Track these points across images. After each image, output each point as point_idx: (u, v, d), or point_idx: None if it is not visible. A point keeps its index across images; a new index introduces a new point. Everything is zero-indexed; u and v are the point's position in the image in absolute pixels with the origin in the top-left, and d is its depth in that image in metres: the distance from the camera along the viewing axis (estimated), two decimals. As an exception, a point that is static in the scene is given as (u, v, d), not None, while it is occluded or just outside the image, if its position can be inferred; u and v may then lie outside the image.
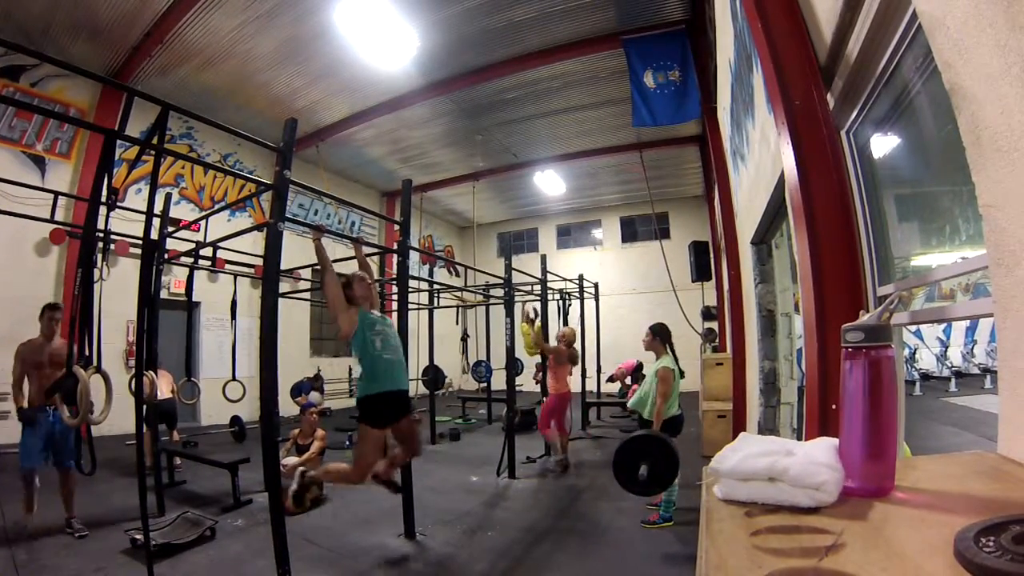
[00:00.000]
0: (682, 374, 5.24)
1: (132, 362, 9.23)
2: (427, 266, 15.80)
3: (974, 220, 1.42)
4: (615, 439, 9.44)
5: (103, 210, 3.63)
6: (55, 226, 7.71)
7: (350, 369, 12.56)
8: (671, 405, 5.02)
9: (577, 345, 8.23)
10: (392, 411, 4.14)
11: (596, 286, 12.81)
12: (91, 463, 3.83)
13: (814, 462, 0.90)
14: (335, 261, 5.43)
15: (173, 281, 10.07)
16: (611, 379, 12.66)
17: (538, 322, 8.30)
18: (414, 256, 13.19)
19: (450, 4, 8.27)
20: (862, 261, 2.20)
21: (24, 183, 5.57)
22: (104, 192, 3.50)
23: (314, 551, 4.49)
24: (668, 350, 5.26)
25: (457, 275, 19.70)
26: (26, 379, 4.76)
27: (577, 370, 11.47)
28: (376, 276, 10.89)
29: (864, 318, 1.01)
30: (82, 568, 4.07)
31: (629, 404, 5.38)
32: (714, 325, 12.26)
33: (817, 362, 2.13)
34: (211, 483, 6.30)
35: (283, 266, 4.10)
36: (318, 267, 4.51)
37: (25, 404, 4.70)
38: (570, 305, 11.83)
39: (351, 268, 4.90)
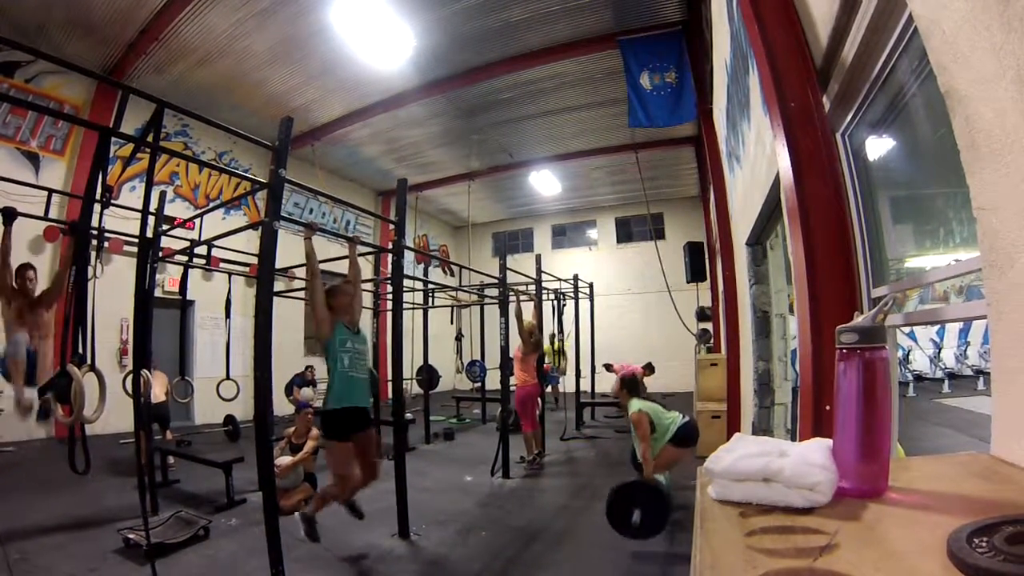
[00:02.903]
0: (664, 405, 5.24)
1: (126, 360, 9.20)
2: (422, 265, 15.79)
3: (968, 222, 1.43)
4: (609, 439, 9.47)
5: (97, 207, 3.62)
6: (49, 224, 7.66)
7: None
8: (667, 424, 5.05)
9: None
10: (352, 425, 4.25)
11: (591, 286, 12.81)
12: (85, 462, 3.81)
13: (808, 463, 0.90)
14: (330, 260, 5.43)
15: (167, 279, 10.03)
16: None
17: (529, 307, 8.32)
18: (409, 255, 13.20)
19: (447, 3, 8.26)
20: (857, 263, 2.21)
21: (18, 180, 5.52)
22: (98, 189, 3.49)
23: (308, 551, 4.48)
24: (632, 397, 5.25)
25: (452, 275, 19.68)
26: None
27: (572, 371, 11.55)
28: (370, 276, 10.88)
29: (858, 319, 1.01)
30: (75, 568, 4.05)
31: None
32: (709, 326, 12.29)
33: (811, 363, 2.13)
34: (205, 482, 6.27)
35: (278, 265, 4.10)
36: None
37: None
38: (565, 305, 11.84)
39: (344, 266, 4.90)
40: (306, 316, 14.10)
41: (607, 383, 12.75)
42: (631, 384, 5.37)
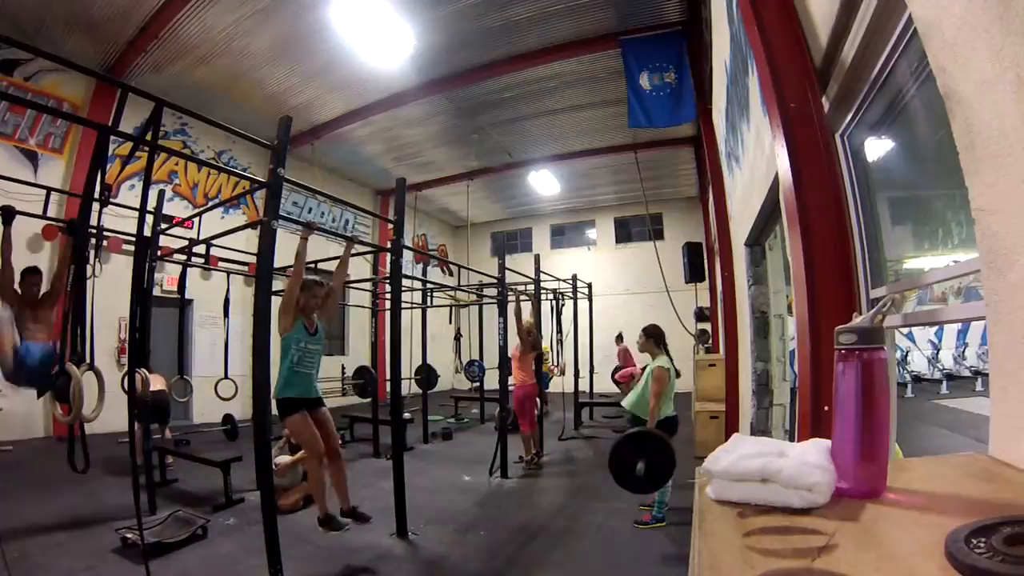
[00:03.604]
0: (678, 374, 5.23)
1: (124, 359, 9.19)
2: (421, 265, 15.79)
3: (967, 224, 1.43)
4: (608, 439, 9.45)
5: (96, 206, 3.62)
6: (47, 222, 7.65)
7: (343, 368, 12.53)
8: (666, 405, 5.02)
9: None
10: (300, 404, 4.42)
11: (589, 286, 12.82)
12: (83, 461, 3.81)
13: (807, 463, 0.90)
14: (327, 260, 5.43)
15: (166, 278, 10.02)
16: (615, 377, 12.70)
17: (527, 307, 8.33)
18: (408, 255, 13.21)
19: (447, 3, 8.25)
20: (855, 264, 2.22)
21: (17, 178, 5.52)
22: (97, 188, 3.49)
23: (306, 550, 4.48)
24: (663, 350, 5.25)
25: (451, 274, 19.68)
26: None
27: (570, 371, 11.56)
28: (368, 275, 10.88)
29: (857, 320, 1.01)
30: (73, 567, 4.04)
31: (623, 402, 5.38)
32: (707, 326, 12.31)
33: (810, 364, 2.14)
34: (203, 481, 6.27)
35: (276, 264, 4.10)
36: (309, 265, 4.57)
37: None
38: (563, 305, 11.85)
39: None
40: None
41: (605, 383, 12.83)
42: (658, 335, 5.33)
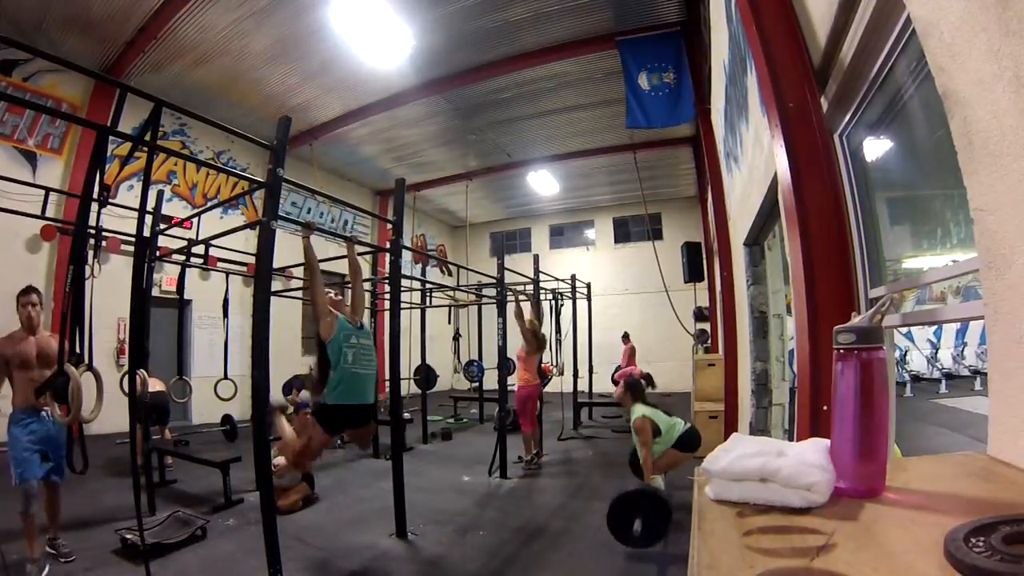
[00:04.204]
0: (669, 415, 5.32)
1: (123, 360, 9.18)
2: (420, 265, 15.78)
3: (965, 224, 1.43)
4: (607, 439, 9.46)
5: (95, 206, 3.61)
6: (46, 222, 7.65)
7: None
8: (671, 431, 5.09)
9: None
10: (348, 422, 4.32)
11: (588, 286, 12.82)
12: (83, 462, 3.80)
13: (805, 463, 0.91)
14: (327, 259, 5.42)
15: (165, 279, 10.01)
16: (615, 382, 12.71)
17: (527, 307, 8.33)
18: (407, 255, 13.19)
19: (445, 3, 8.25)
20: (854, 263, 2.22)
21: (15, 179, 5.51)
22: (96, 188, 3.48)
23: (306, 551, 4.48)
24: (639, 401, 5.33)
25: (450, 274, 19.68)
26: (7, 380, 4.11)
27: (569, 370, 11.55)
28: (368, 275, 10.85)
29: (856, 320, 1.01)
30: (72, 567, 4.05)
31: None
32: (706, 326, 12.31)
33: (809, 363, 2.14)
34: (202, 482, 6.27)
35: (275, 264, 4.10)
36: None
37: (11, 408, 4.08)
38: (562, 305, 11.85)
39: (343, 266, 4.90)
40: (304, 315, 14.13)
41: (605, 383, 12.83)
42: (635, 389, 5.42)
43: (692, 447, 5.17)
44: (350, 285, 4.73)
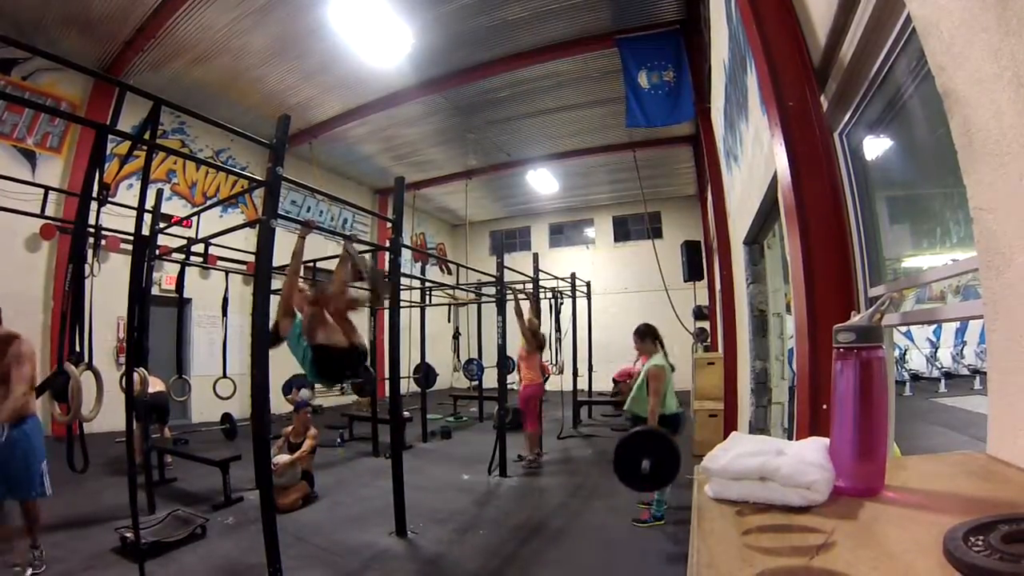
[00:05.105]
0: (672, 368, 5.25)
1: (122, 359, 9.18)
2: (419, 264, 15.78)
3: (965, 223, 1.43)
4: (606, 437, 9.47)
5: (94, 205, 3.61)
6: (45, 221, 7.64)
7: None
8: (667, 402, 5.05)
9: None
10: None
11: (588, 285, 12.82)
12: (83, 460, 3.80)
13: (805, 461, 0.91)
14: (327, 258, 5.42)
15: (164, 277, 10.00)
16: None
17: (527, 306, 8.34)
18: (406, 254, 13.18)
19: (444, 2, 8.24)
20: (854, 262, 2.22)
21: (14, 177, 5.51)
22: (95, 187, 3.48)
23: (305, 549, 4.48)
24: (659, 347, 5.27)
25: (449, 273, 19.66)
26: None
27: (568, 369, 11.56)
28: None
29: (855, 319, 1.01)
30: (72, 566, 4.05)
31: (625, 407, 5.39)
32: (706, 325, 12.31)
33: (808, 362, 2.14)
34: (202, 481, 6.27)
35: (275, 263, 4.09)
36: (309, 264, 4.52)
37: None
38: (562, 304, 11.85)
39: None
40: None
41: (604, 382, 12.83)
42: (655, 333, 5.33)
43: (677, 430, 5.08)
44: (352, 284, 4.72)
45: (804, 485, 0.87)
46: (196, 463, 6.38)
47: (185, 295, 7.10)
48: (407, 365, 9.95)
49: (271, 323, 4.15)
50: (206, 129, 11.20)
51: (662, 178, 16.19)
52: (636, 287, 17.80)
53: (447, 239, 21.45)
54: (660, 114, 8.85)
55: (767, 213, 4.48)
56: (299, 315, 4.30)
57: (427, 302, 11.43)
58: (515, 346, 7.79)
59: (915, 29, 1.37)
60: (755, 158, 4.29)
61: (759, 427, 5.47)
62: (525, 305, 8.32)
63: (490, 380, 9.89)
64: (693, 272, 11.84)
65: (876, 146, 2.25)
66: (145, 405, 5.84)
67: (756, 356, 5.61)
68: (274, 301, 4.17)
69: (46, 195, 5.73)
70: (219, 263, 8.26)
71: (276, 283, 4.23)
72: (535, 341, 7.68)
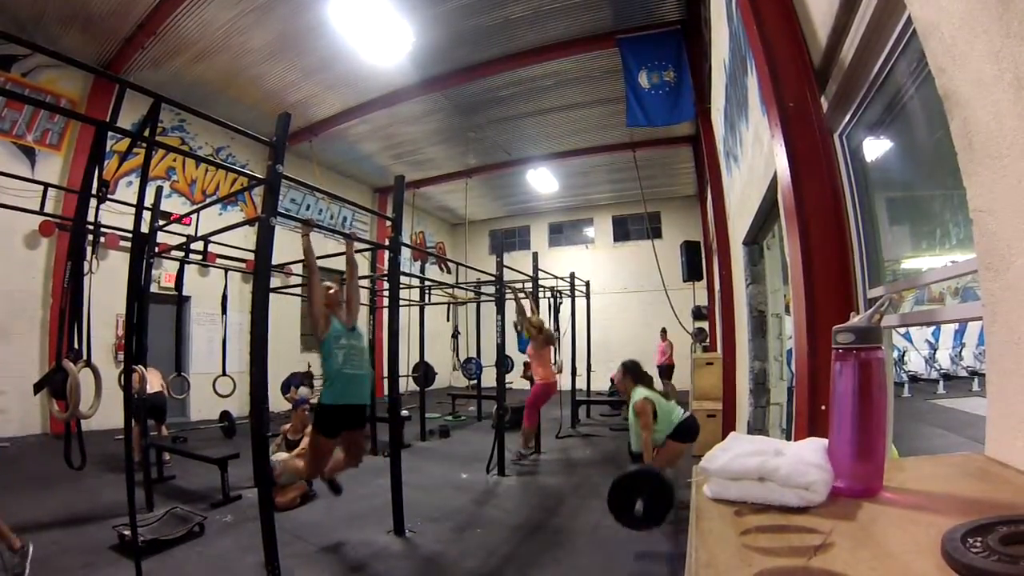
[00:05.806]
0: (666, 396, 5.34)
1: (121, 356, 9.17)
2: (419, 262, 15.78)
3: (964, 224, 1.43)
4: (605, 437, 9.48)
5: (93, 202, 3.60)
6: (45, 218, 7.64)
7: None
8: (671, 418, 5.08)
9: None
10: (344, 423, 4.34)
11: (587, 284, 12.82)
12: (80, 458, 3.80)
13: (803, 462, 0.91)
14: (327, 256, 5.41)
15: (163, 275, 10.00)
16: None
17: (526, 304, 8.35)
18: (406, 252, 13.16)
19: (446, 0, 8.25)
20: (853, 263, 2.22)
21: (14, 174, 5.51)
22: (95, 184, 3.48)
23: (303, 547, 4.48)
24: (641, 383, 5.31)
25: (448, 272, 19.67)
26: None
27: (567, 368, 11.56)
28: (367, 272, 10.84)
29: (855, 320, 1.01)
30: (70, 563, 4.04)
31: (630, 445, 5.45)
32: (705, 325, 12.32)
33: (807, 363, 2.14)
34: (200, 479, 6.27)
35: (274, 261, 4.09)
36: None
37: None
38: (561, 303, 11.85)
39: (342, 262, 4.90)
40: (302, 313, 14.13)
41: (602, 381, 12.83)
42: (635, 371, 5.38)
43: (691, 436, 5.16)
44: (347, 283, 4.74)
45: (803, 486, 0.87)
46: (195, 461, 6.37)
47: (184, 293, 7.08)
48: (406, 364, 9.96)
49: (318, 330, 4.27)
50: (206, 127, 11.19)
51: (662, 178, 16.19)
52: (635, 287, 17.82)
53: (447, 238, 21.45)
54: (660, 114, 8.85)
55: (767, 214, 4.48)
56: (335, 317, 4.37)
57: (426, 301, 11.43)
58: (515, 346, 7.80)
59: (916, 30, 1.37)
60: (755, 159, 4.29)
61: (758, 427, 5.48)
62: (525, 304, 8.33)
63: (489, 379, 9.89)
64: (692, 272, 11.84)
65: (876, 147, 2.25)
66: (143, 404, 5.83)
67: (755, 357, 5.62)
68: (274, 300, 4.18)
69: (45, 192, 5.71)
70: (218, 261, 8.25)
71: (275, 281, 4.23)
72: (541, 336, 7.68)
